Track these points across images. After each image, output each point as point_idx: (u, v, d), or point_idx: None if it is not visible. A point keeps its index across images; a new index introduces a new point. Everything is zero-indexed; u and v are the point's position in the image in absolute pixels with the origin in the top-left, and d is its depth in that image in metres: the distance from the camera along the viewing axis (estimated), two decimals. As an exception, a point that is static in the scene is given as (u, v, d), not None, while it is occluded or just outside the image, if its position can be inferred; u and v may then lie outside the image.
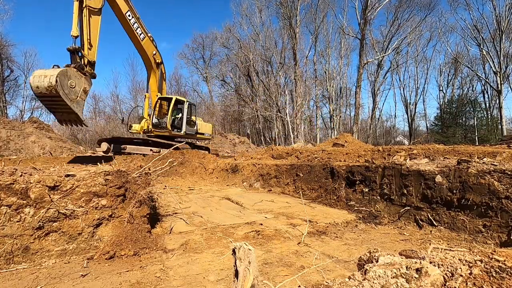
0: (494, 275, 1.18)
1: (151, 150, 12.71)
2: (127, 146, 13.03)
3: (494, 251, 1.36)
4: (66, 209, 2.81)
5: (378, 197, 4.50)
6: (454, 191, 3.45)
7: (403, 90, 44.58)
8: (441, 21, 35.10)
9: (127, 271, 2.48)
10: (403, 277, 1.20)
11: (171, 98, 14.04)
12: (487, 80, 33.92)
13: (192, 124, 14.68)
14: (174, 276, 2.39)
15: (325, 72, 38.12)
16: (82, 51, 9.17)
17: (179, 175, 10.07)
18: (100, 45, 9.93)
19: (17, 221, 2.62)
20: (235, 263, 1.32)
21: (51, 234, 2.76)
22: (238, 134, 32.66)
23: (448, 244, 3.05)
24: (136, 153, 12.21)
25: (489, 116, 36.73)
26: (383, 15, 45.18)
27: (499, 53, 28.05)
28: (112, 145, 13.08)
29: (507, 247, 2.69)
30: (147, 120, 14.09)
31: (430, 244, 2.09)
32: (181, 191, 7.25)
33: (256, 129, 44.02)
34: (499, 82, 28.33)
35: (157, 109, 14.05)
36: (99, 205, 2.99)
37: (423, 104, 45.69)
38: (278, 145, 30.42)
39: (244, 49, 37.17)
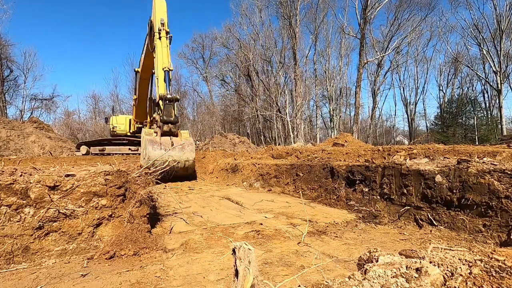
0: (494, 274, 1.18)
1: (129, 149, 12.81)
2: (106, 147, 13.14)
3: (494, 251, 1.36)
4: (66, 209, 2.81)
5: (378, 197, 4.50)
6: (454, 191, 3.45)
7: (403, 90, 44.68)
8: (442, 20, 35.21)
9: (127, 271, 2.48)
10: (403, 277, 1.20)
11: None
12: (487, 80, 33.96)
13: None
14: (174, 276, 2.39)
15: (325, 72, 38.15)
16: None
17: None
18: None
19: (17, 221, 2.62)
20: (235, 262, 1.31)
21: (51, 234, 2.76)
22: (238, 134, 32.62)
23: (448, 244, 3.05)
24: (116, 153, 12.30)
25: (489, 116, 36.73)
26: (383, 14, 45.23)
27: (499, 52, 28.08)
28: (91, 147, 13.20)
29: (507, 246, 2.68)
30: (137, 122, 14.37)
31: (430, 243, 2.09)
32: (181, 191, 7.25)
33: (256, 129, 43.98)
34: (499, 81, 28.36)
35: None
36: (99, 205, 2.99)
37: (423, 104, 45.90)
38: (278, 145, 30.41)
39: (244, 49, 37.18)
